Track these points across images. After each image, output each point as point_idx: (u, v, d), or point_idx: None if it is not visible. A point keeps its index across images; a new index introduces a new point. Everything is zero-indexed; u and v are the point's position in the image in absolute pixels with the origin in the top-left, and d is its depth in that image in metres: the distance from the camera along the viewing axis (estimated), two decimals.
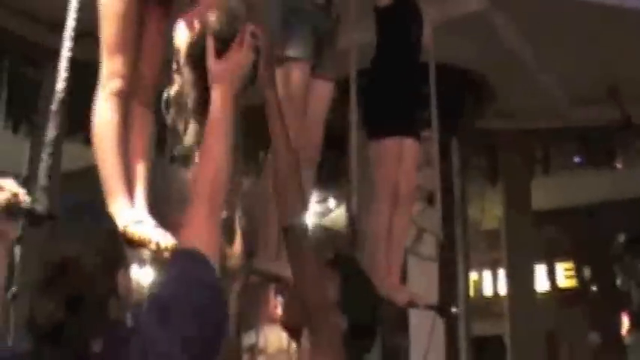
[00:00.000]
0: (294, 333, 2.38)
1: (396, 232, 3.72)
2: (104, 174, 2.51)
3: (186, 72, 2.04)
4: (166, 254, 2.45)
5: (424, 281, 5.13)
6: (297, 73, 3.00)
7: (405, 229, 3.85)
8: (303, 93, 3.04)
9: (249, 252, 2.44)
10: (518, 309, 6.77)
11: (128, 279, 1.51)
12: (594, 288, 9.43)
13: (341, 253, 2.48)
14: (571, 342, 9.04)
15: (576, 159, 6.81)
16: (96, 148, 2.53)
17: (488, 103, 5.88)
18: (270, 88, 2.09)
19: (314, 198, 6.50)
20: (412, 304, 3.80)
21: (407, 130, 3.71)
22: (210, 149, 1.77)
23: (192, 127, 2.06)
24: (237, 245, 2.74)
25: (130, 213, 2.47)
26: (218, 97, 1.84)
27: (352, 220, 3.77)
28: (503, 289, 7.71)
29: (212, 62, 1.89)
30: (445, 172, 5.49)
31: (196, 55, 1.97)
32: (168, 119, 2.14)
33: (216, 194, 1.74)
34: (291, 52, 3.00)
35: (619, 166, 7.06)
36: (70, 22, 2.52)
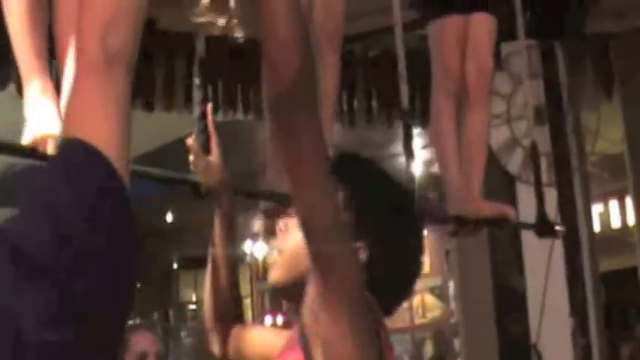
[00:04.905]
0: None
1: (471, 135, 3.28)
2: (17, 55, 2.20)
3: None
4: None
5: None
6: None
7: (483, 130, 3.41)
8: None
9: None
10: None
11: None
12: None
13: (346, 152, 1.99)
14: None
15: None
16: (7, 20, 2.22)
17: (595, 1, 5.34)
18: None
19: (419, 142, 6.06)
20: (496, 220, 3.37)
21: (475, 4, 3.26)
22: None
23: None
24: (216, 154, 2.35)
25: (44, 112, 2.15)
26: None
27: None
28: (632, 219, 7.28)
29: None
30: (551, 85, 5.04)
31: None
32: None
33: (117, 35, 1.05)
34: None
35: None
36: None
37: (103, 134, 1.00)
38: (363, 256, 1.80)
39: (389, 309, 1.87)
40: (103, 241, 0.96)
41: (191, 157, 2.28)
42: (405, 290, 1.95)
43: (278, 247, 1.89)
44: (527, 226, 3.61)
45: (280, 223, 1.90)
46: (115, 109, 1.02)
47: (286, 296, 1.98)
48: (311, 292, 1.70)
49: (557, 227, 3.54)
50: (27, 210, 0.96)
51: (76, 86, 1.04)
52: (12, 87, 4.47)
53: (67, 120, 1.04)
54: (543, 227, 3.51)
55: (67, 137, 1.01)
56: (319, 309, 1.67)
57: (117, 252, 0.97)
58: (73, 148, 1.00)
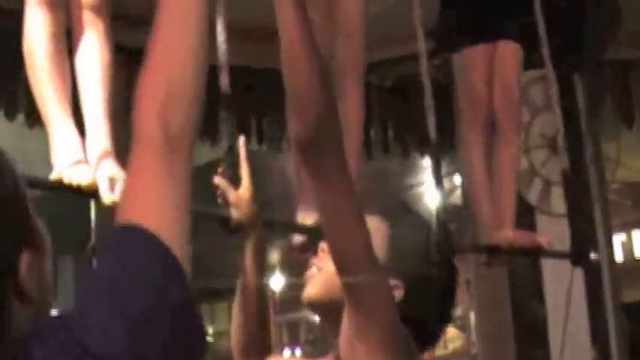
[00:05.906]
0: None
1: (502, 165, 3.29)
2: (39, 102, 2.29)
3: None
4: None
5: (558, 243, 4.71)
6: None
7: (513, 160, 3.41)
8: None
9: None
10: None
11: None
12: None
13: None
14: None
15: None
16: (28, 70, 2.31)
17: (615, 28, 5.33)
18: None
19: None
20: (530, 249, 3.36)
21: (497, 33, 3.27)
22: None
23: None
24: (247, 187, 2.31)
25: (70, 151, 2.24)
26: None
27: None
28: None
29: None
30: (569, 114, 5.02)
31: None
32: None
33: (177, 117, 1.04)
34: None
35: None
36: None
37: (164, 220, 0.99)
38: (399, 293, 1.82)
39: (423, 347, 1.89)
40: (167, 333, 0.95)
41: (220, 193, 2.27)
42: (440, 328, 1.98)
43: (318, 265, 1.91)
44: (561, 254, 3.59)
45: (323, 244, 1.90)
46: (176, 194, 1.01)
47: (318, 312, 1.99)
48: (347, 322, 1.72)
49: (593, 255, 3.52)
50: (89, 300, 0.95)
51: (136, 169, 1.02)
52: (20, 117, 4.53)
53: (127, 203, 1.02)
54: (578, 256, 3.50)
55: (128, 223, 0.99)
56: (355, 339, 1.69)
57: (181, 343, 0.96)
58: (134, 236, 0.98)
